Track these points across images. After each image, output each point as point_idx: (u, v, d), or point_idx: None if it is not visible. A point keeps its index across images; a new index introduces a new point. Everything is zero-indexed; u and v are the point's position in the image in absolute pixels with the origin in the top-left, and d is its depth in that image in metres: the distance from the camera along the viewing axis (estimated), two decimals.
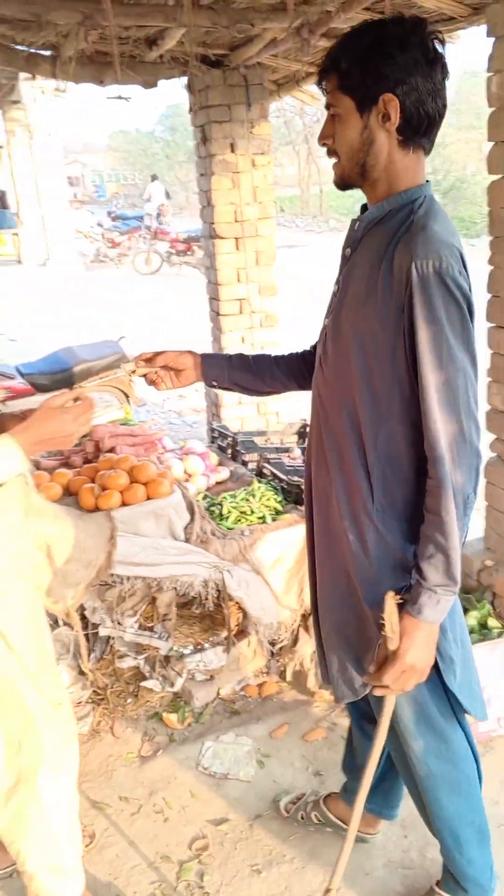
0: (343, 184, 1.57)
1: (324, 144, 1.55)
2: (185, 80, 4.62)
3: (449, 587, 1.46)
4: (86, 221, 18.73)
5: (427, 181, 1.53)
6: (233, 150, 4.52)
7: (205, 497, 3.07)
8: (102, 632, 2.82)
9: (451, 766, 1.74)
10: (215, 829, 2.31)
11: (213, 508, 2.97)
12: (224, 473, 3.35)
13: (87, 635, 2.82)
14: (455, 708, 1.71)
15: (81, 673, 2.89)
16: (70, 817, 1.92)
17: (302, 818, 2.29)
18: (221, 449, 3.73)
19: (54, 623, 2.74)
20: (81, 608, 2.74)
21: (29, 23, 3.52)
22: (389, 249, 1.43)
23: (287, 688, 2.96)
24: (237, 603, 2.87)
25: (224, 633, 2.95)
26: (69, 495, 2.74)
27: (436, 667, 1.58)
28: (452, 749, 1.73)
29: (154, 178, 21.88)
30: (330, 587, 1.72)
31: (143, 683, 2.86)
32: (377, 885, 2.10)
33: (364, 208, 1.58)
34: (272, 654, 3.01)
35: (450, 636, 1.62)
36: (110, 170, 44.09)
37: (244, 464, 3.49)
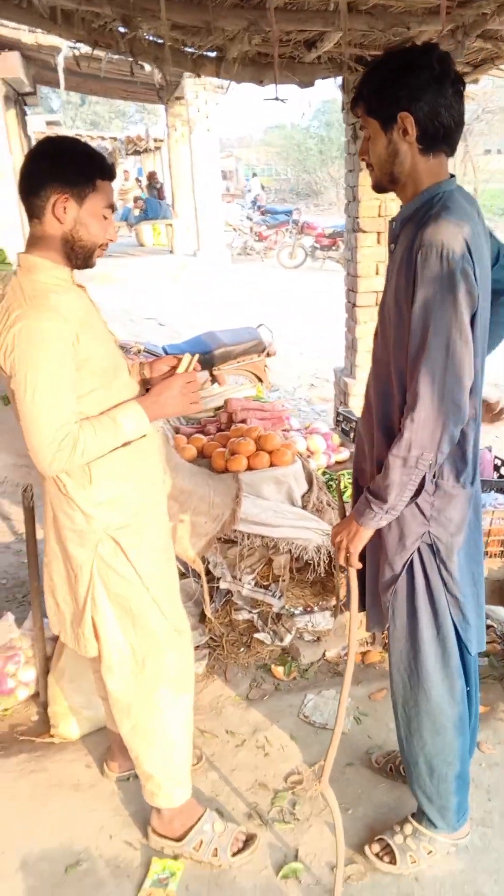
0: (378, 189, 1.85)
1: (362, 159, 1.84)
2: (339, 79, 4.81)
3: (376, 503, 1.78)
4: (236, 215, 19.29)
5: (451, 176, 1.76)
6: None
7: (324, 473, 3.28)
8: (223, 585, 3.10)
9: (442, 706, 1.98)
10: (310, 769, 2.53)
11: (331, 483, 3.17)
12: (345, 454, 3.55)
13: (209, 587, 3.11)
14: (464, 652, 1.95)
15: (201, 620, 3.20)
16: (185, 731, 2.20)
17: (390, 770, 2.47)
18: (345, 432, 3.92)
19: (183, 573, 3.04)
20: (206, 562, 3.03)
21: (198, 29, 3.84)
22: (416, 241, 1.65)
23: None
24: (346, 576, 3.06)
25: (333, 601, 3.16)
26: (202, 457, 3.03)
27: (448, 608, 1.89)
28: (453, 692, 1.97)
29: (254, 174, 27.71)
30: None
31: (256, 636, 3.12)
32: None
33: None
34: (367, 627, 3.18)
35: (464, 580, 1.88)
36: (263, 164, 44.86)
37: None
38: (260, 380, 5.59)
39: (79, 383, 1.83)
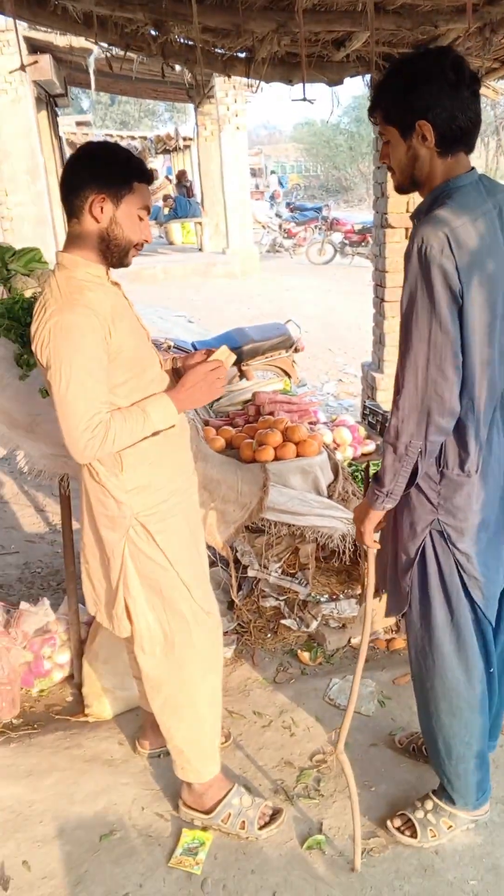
0: (400, 191, 1.92)
1: (383, 162, 1.91)
2: (368, 77, 4.87)
3: (377, 487, 1.89)
4: (264, 212, 19.37)
5: (471, 169, 1.81)
6: None
7: (350, 464, 3.36)
8: (250, 573, 3.20)
9: (458, 689, 2.05)
10: (331, 745, 2.61)
11: (357, 474, 3.25)
12: (371, 446, 3.61)
13: (237, 576, 3.20)
14: (483, 631, 2.01)
15: (229, 607, 3.29)
16: (214, 709, 2.30)
17: (413, 750, 2.54)
18: (371, 425, 3.98)
19: (212, 561, 3.14)
20: (234, 550, 3.13)
21: (228, 31, 3.93)
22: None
23: None
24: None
25: (358, 589, 3.24)
26: (231, 448, 3.13)
27: (463, 590, 1.96)
28: (470, 675, 2.04)
29: (272, 171, 29.14)
30: (390, 519, 2.06)
31: (283, 622, 3.21)
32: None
33: None
34: (403, 614, 3.25)
35: (479, 562, 1.94)
36: (293, 161, 44.82)
37: None
38: (288, 375, 5.67)
39: (111, 375, 1.93)
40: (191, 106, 16.21)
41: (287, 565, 3.20)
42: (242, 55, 4.53)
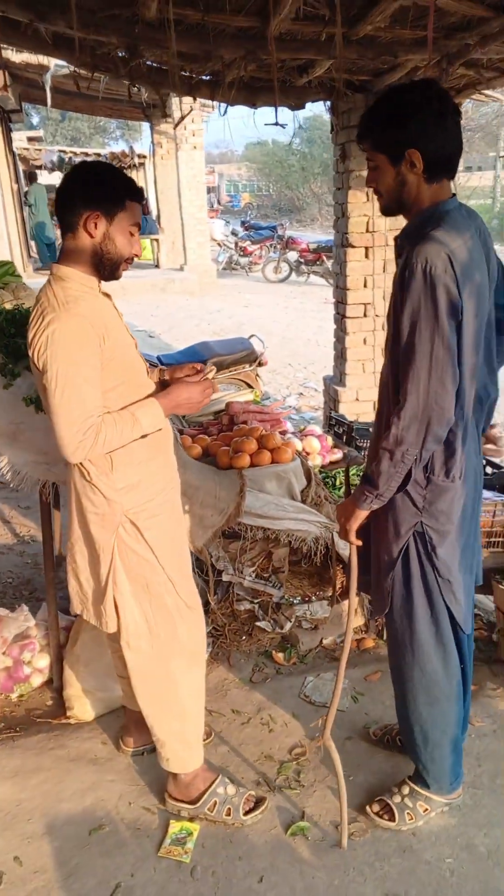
0: (387, 213, 2.04)
1: (370, 187, 2.03)
2: (328, 102, 5.07)
3: (368, 488, 1.99)
4: (220, 230, 19.58)
5: (453, 196, 1.95)
6: (369, 167, 4.92)
7: (320, 471, 3.49)
8: (225, 578, 3.29)
9: (436, 680, 2.18)
10: (312, 743, 2.71)
11: (327, 480, 3.38)
12: (338, 455, 3.76)
13: (213, 580, 3.29)
14: (457, 629, 2.13)
15: (204, 612, 3.37)
16: (198, 701, 2.39)
17: (387, 741, 2.66)
18: (337, 435, 4.14)
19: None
20: (209, 556, 3.22)
21: (197, 55, 4.07)
22: (408, 257, 1.84)
23: (383, 644, 3.32)
24: (341, 567, 3.28)
25: (329, 591, 3.36)
26: (207, 455, 3.23)
27: (440, 591, 2.08)
28: (447, 667, 2.17)
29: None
30: (373, 519, 2.16)
31: (257, 624, 3.31)
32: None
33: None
34: (371, 613, 3.39)
35: (455, 566, 2.07)
36: (245, 180, 45.35)
37: (358, 448, 3.89)
38: (251, 388, 5.80)
39: (103, 380, 2.03)
40: (143, 124, 16.36)
41: (260, 569, 3.31)
42: (207, 78, 4.70)
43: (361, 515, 2.08)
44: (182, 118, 9.59)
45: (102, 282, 2.13)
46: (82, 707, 2.86)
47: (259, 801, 2.39)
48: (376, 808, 2.34)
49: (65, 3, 3.48)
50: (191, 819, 2.35)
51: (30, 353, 1.98)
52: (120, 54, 4.20)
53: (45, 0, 3.44)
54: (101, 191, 2.01)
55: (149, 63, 4.39)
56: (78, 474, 2.14)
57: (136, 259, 2.19)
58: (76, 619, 3.04)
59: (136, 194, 2.07)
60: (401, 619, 2.18)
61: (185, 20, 3.42)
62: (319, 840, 2.29)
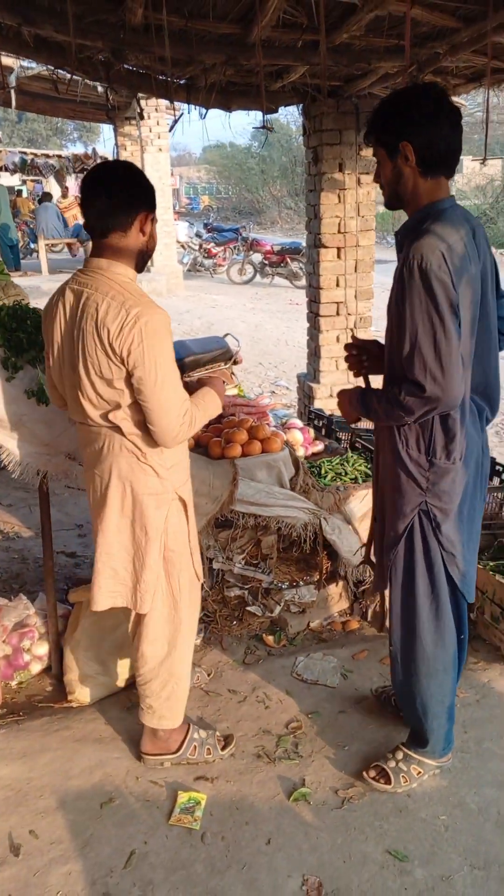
0: (389, 206, 2.20)
1: (376, 182, 2.23)
2: (300, 105, 5.23)
3: (364, 407, 2.22)
4: (184, 232, 19.66)
5: (450, 196, 2.12)
6: (341, 170, 5.10)
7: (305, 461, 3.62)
8: (215, 566, 3.41)
9: (435, 652, 2.33)
10: (307, 717, 2.85)
11: (313, 469, 3.52)
12: (320, 446, 3.90)
13: (204, 568, 3.40)
14: (458, 600, 2.30)
15: None
16: (189, 667, 2.60)
17: (384, 699, 2.83)
18: (316, 428, 4.28)
19: None
20: (201, 545, 3.33)
21: (178, 60, 4.19)
22: (406, 253, 2.00)
23: (367, 626, 3.48)
24: (327, 553, 3.42)
25: (316, 576, 3.50)
26: (199, 446, 3.34)
27: (444, 564, 2.23)
28: (444, 640, 2.32)
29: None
30: (380, 498, 2.35)
31: (248, 608, 3.43)
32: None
33: None
34: (356, 597, 3.54)
35: (458, 540, 2.23)
36: (204, 183, 45.42)
37: (338, 440, 4.04)
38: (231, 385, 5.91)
39: None
40: (101, 126, 16.34)
41: (250, 556, 3.43)
42: (182, 82, 4.81)
43: (351, 410, 2.31)
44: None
45: None
46: (83, 691, 2.95)
47: (228, 738, 2.65)
48: (373, 773, 2.48)
49: (52, 8, 3.58)
50: (175, 764, 2.57)
51: (115, 344, 2.05)
52: (101, 58, 4.30)
53: (33, 4, 3.53)
54: (152, 192, 2.19)
55: (127, 67, 4.49)
56: (128, 460, 2.24)
57: None
58: (74, 606, 3.13)
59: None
60: (402, 593, 2.33)
61: (169, 26, 3.54)
62: (321, 804, 2.42)
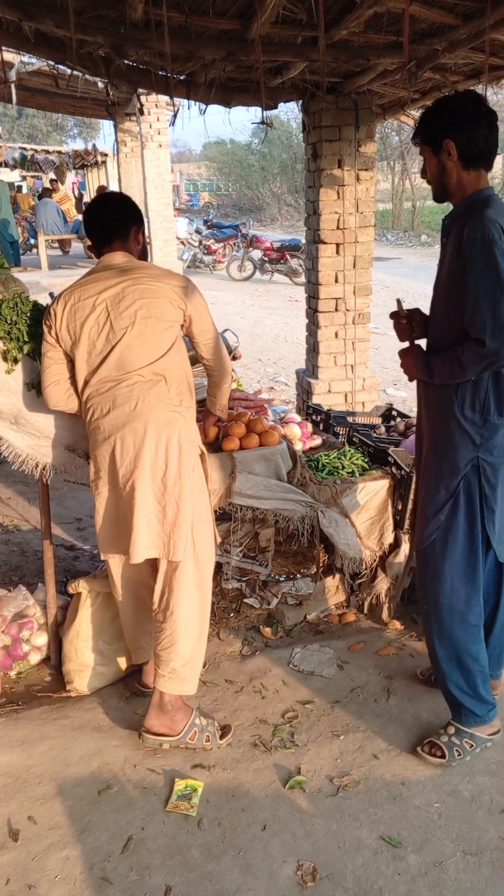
0: (437, 199, 2.48)
1: (423, 177, 2.50)
2: (300, 102, 5.24)
3: (428, 370, 2.42)
4: (184, 228, 19.67)
5: (489, 186, 2.36)
6: (340, 166, 5.12)
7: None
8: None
9: (469, 604, 2.46)
10: (303, 707, 2.88)
11: (310, 463, 3.55)
12: (318, 441, 3.93)
13: None
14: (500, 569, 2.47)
15: None
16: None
17: (433, 680, 2.88)
18: (315, 423, 4.31)
19: None
20: None
21: (178, 56, 4.21)
22: (465, 233, 2.21)
23: (363, 618, 3.51)
24: (324, 546, 3.45)
25: (313, 568, 3.53)
26: None
27: (482, 520, 2.40)
28: (474, 594, 2.46)
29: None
30: (424, 465, 2.53)
31: (245, 601, 3.46)
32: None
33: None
34: (352, 589, 3.57)
35: (498, 498, 2.40)
36: (204, 179, 45.43)
37: (336, 435, 4.07)
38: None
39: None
40: (101, 122, 16.34)
41: (248, 549, 3.46)
42: (182, 77, 4.83)
43: (414, 370, 2.51)
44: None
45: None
46: (82, 680, 2.98)
47: (226, 728, 2.71)
48: (427, 748, 2.57)
49: (52, 3, 3.60)
50: (171, 746, 2.62)
51: (175, 292, 2.52)
52: (101, 53, 4.32)
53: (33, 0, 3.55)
54: (139, 212, 2.70)
55: (127, 62, 4.51)
56: (165, 412, 2.47)
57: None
58: (73, 597, 3.16)
59: None
60: (441, 548, 2.46)
61: (169, 22, 3.55)
62: (316, 792, 2.45)
